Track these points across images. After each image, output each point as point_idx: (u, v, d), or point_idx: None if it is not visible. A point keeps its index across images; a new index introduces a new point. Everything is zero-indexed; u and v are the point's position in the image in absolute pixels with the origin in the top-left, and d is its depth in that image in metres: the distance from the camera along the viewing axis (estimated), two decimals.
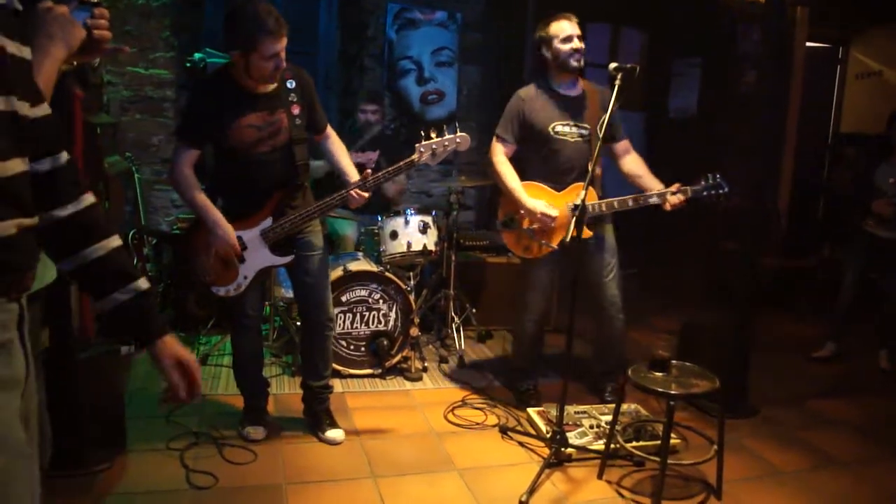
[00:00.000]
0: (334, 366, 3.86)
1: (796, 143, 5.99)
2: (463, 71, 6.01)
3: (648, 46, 6.15)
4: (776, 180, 5.87)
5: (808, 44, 5.91)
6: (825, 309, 4.76)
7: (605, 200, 3.43)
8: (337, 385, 3.83)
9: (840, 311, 4.65)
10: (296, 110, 2.96)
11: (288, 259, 3.04)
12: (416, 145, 2.96)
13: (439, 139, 2.95)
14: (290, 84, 2.97)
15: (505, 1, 5.93)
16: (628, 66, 3.22)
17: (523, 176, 3.51)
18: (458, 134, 2.98)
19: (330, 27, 5.71)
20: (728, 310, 3.77)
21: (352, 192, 2.95)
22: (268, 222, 2.97)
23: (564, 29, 3.39)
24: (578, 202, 2.87)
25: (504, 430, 3.38)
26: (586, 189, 2.92)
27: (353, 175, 3.07)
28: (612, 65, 3.27)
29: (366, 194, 2.97)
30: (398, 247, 4.07)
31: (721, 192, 3.33)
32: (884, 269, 4.48)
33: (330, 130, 3.18)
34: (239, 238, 2.95)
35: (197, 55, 4.70)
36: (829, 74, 6.59)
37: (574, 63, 3.39)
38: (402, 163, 2.95)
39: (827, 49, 6.48)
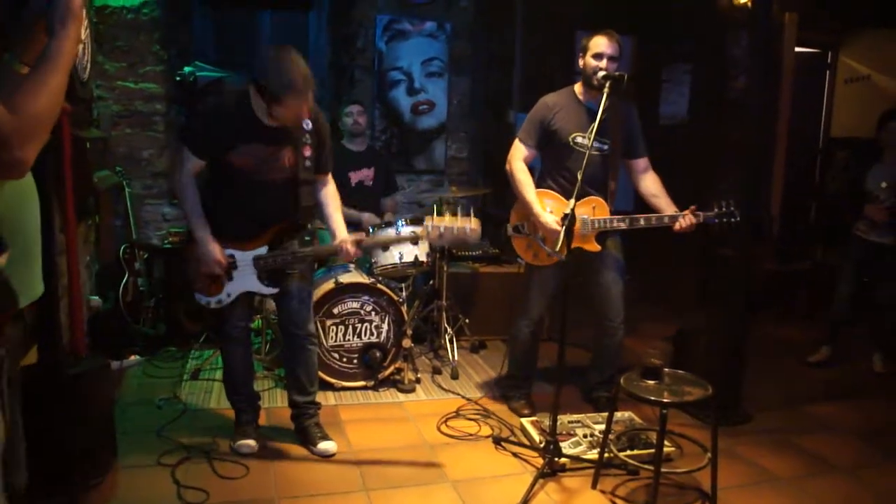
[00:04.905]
0: (327, 378, 3.85)
1: (787, 148, 6.00)
2: (453, 81, 6.01)
3: (638, 53, 6.16)
4: (768, 185, 5.89)
5: (797, 49, 5.93)
6: (819, 313, 4.75)
7: (616, 217, 3.43)
8: (329, 398, 3.82)
9: (834, 315, 4.65)
10: (307, 152, 2.96)
11: (272, 291, 3.06)
12: (426, 222, 2.84)
13: (451, 223, 2.81)
14: (307, 125, 2.95)
15: (494, 11, 5.94)
16: (617, 74, 3.24)
17: (539, 181, 3.52)
18: (472, 222, 2.82)
19: (320, 38, 5.71)
20: (722, 315, 3.77)
21: (346, 247, 2.95)
22: (262, 250, 2.99)
23: (599, 45, 3.36)
24: (568, 211, 2.86)
25: (498, 441, 3.37)
26: (575, 199, 2.91)
27: (342, 232, 3.06)
28: (601, 73, 3.29)
29: (358, 252, 2.99)
30: (390, 258, 4.06)
31: (733, 220, 3.34)
32: (876, 273, 4.48)
33: (329, 179, 3.17)
34: (231, 256, 2.96)
35: (187, 69, 4.71)
36: (819, 79, 6.60)
37: (594, 81, 3.35)
38: (405, 235, 2.94)
39: (816, 54, 6.50)
